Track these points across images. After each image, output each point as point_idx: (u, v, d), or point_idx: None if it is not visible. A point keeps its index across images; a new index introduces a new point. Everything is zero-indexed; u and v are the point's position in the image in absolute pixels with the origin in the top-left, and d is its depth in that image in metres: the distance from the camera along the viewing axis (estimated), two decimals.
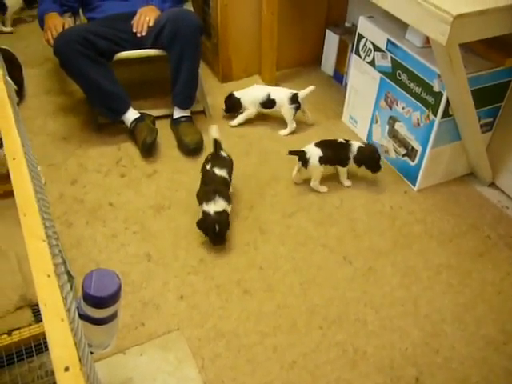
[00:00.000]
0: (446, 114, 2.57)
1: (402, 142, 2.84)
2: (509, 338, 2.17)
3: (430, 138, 2.64)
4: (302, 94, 3.11)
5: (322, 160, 2.70)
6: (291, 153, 2.73)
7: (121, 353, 2.04)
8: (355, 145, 2.77)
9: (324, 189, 2.78)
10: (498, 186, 2.97)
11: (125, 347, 2.06)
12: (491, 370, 2.05)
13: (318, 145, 2.74)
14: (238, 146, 3.05)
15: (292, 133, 3.20)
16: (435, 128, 2.60)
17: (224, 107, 3.26)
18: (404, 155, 2.86)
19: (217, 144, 2.67)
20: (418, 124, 2.69)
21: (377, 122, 2.99)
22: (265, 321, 2.16)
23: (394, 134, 2.89)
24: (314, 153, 2.70)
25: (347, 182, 2.84)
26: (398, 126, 2.84)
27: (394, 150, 2.92)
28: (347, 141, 2.80)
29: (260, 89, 3.21)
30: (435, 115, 2.57)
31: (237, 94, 3.21)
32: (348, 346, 2.09)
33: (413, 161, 2.80)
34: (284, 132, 3.19)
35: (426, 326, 2.18)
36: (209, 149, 2.89)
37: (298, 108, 3.13)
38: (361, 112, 3.13)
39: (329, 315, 2.19)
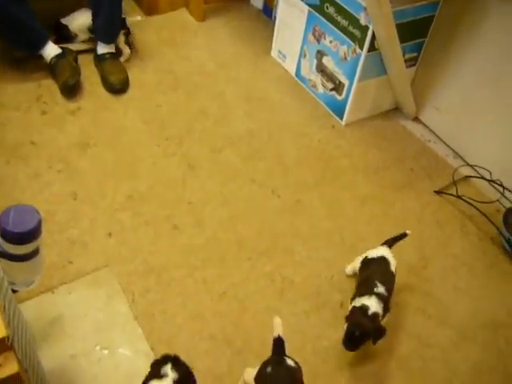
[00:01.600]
0: (372, 47, 2.59)
1: (330, 77, 2.85)
2: (427, 263, 2.30)
3: (357, 71, 2.66)
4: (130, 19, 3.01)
5: None
6: None
7: (49, 291, 2.01)
8: None
9: None
10: (421, 121, 3.07)
11: (53, 286, 2.03)
12: (410, 293, 2.18)
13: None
14: (165, 81, 2.97)
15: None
16: (361, 62, 2.62)
17: (54, 37, 2.98)
18: (331, 89, 2.88)
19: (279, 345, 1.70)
20: (345, 58, 2.71)
21: (305, 56, 2.98)
22: (194, 254, 2.18)
23: (321, 69, 2.89)
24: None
25: None
26: (325, 60, 2.84)
27: (322, 85, 2.93)
28: None
29: (87, 14, 2.97)
30: (361, 49, 2.59)
31: (63, 20, 2.99)
32: (276, 275, 2.15)
33: (340, 95, 2.83)
34: (121, 59, 3.01)
35: (351, 254, 2.26)
36: (135, 88, 2.83)
37: (127, 34, 3.02)
38: (289, 46, 3.10)
39: (257, 247, 2.23)
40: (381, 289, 1.90)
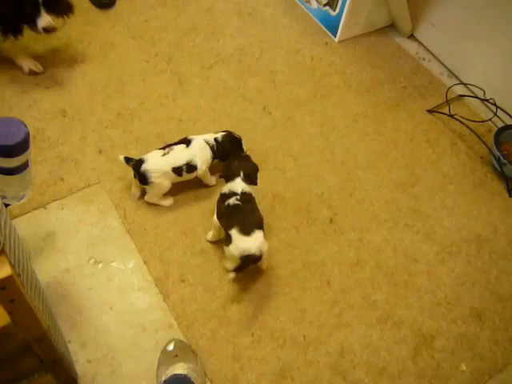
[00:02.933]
0: None
1: None
2: (416, 180, 2.32)
3: None
4: None
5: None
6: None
7: (41, 208, 2.03)
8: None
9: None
10: (416, 38, 3.00)
11: (45, 202, 2.04)
12: (398, 209, 2.21)
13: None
14: None
15: None
16: None
17: None
18: (325, 5, 2.79)
19: None
20: None
21: None
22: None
23: None
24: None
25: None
26: None
27: (316, 0, 2.84)
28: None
29: None
30: None
31: None
32: (267, 192, 2.17)
33: (334, 10, 2.75)
34: None
35: (341, 172, 2.28)
36: (123, 2, 2.75)
37: None
38: None
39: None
40: None
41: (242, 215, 1.84)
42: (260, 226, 1.84)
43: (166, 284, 1.89)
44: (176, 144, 2.04)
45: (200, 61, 2.59)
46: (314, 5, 2.87)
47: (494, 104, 2.63)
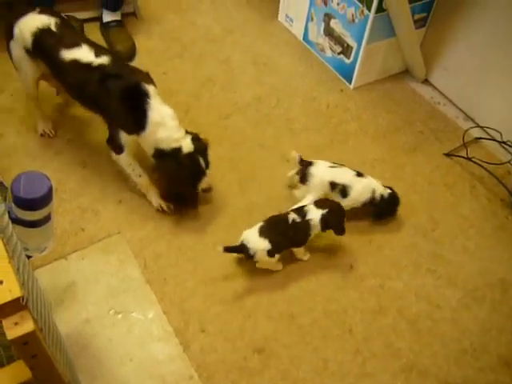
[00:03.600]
0: (380, 8, 2.55)
1: (338, 40, 2.81)
2: (436, 224, 2.31)
3: (365, 33, 2.62)
4: None
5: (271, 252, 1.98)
6: (227, 249, 1.98)
7: (62, 258, 2.05)
8: (313, 211, 2.04)
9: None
10: (431, 83, 3.03)
11: (66, 253, 2.06)
12: (419, 254, 2.19)
13: (262, 232, 1.98)
14: (171, 48, 2.95)
15: None
16: (369, 23, 2.58)
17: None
18: (340, 53, 2.84)
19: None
20: (353, 20, 2.67)
21: (312, 19, 2.94)
22: (203, 220, 2.20)
23: (329, 32, 2.85)
24: (258, 245, 1.96)
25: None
26: (333, 23, 2.80)
27: (330, 48, 2.90)
28: (301, 210, 2.06)
29: None
30: (369, 10, 2.54)
31: None
32: None
33: (348, 58, 2.80)
34: None
35: None
36: (142, 55, 2.83)
37: None
38: (297, 10, 3.05)
39: (267, 213, 2.24)
40: None
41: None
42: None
43: (186, 334, 1.88)
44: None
45: (217, 111, 2.63)
46: (329, 53, 2.92)
47: None
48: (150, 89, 2.06)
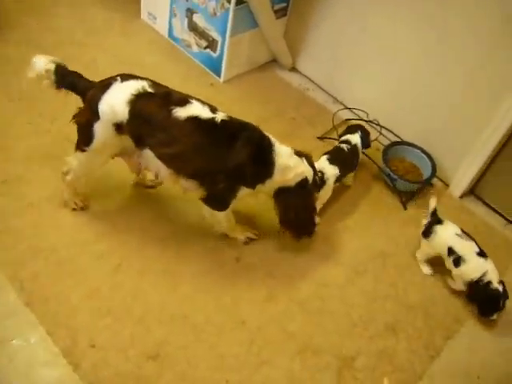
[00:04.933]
0: (239, 1, 2.57)
1: (202, 34, 2.81)
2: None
3: (228, 26, 2.64)
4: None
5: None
6: None
7: None
8: (359, 143, 2.46)
9: None
10: (298, 70, 3.12)
11: None
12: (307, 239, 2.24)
13: (331, 159, 2.33)
14: (31, 54, 2.77)
15: None
16: (231, 16, 2.60)
17: None
18: (206, 47, 2.84)
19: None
20: (215, 13, 2.67)
21: (175, 15, 2.91)
22: (84, 229, 2.11)
23: (193, 27, 2.84)
24: (329, 172, 2.29)
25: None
26: (196, 17, 2.79)
27: (196, 44, 2.88)
28: (350, 143, 2.44)
29: None
30: (229, 3, 2.56)
31: None
32: (171, 240, 2.13)
33: (215, 52, 2.80)
34: None
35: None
36: None
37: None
38: (158, 7, 3.01)
39: (147, 214, 2.20)
40: None
41: None
42: None
43: (75, 353, 1.78)
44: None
45: None
46: (195, 48, 2.91)
47: (378, 124, 2.77)
48: (269, 135, 2.02)
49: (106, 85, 1.91)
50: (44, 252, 2.01)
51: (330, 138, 2.69)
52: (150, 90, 1.89)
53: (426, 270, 2.25)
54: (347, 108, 2.89)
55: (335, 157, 2.34)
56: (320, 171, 2.23)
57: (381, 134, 2.75)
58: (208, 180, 1.94)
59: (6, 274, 1.92)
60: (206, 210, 2.04)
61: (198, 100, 1.95)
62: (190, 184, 1.96)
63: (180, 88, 2.73)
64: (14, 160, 2.29)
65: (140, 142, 1.92)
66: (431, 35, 2.43)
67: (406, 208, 2.49)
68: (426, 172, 2.57)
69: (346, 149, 2.40)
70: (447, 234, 2.17)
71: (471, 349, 2.05)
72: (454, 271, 2.14)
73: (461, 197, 2.62)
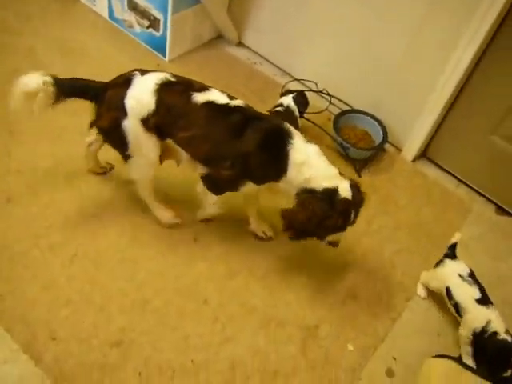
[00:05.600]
0: None
1: (144, 14, 2.74)
2: None
3: (169, 3, 2.58)
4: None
5: None
6: None
7: None
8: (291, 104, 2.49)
9: None
10: (245, 45, 3.08)
11: None
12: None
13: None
14: None
15: None
16: None
17: None
18: (148, 27, 2.77)
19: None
20: None
21: None
22: (35, 224, 2.05)
23: (133, 6, 2.77)
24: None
25: None
26: None
27: (138, 23, 2.82)
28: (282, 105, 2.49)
29: None
30: None
31: None
32: (126, 224, 2.11)
33: (158, 31, 2.74)
34: None
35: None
36: None
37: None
38: None
39: (100, 204, 2.16)
40: None
41: None
42: None
43: (36, 347, 1.75)
44: None
45: None
46: (138, 28, 2.84)
47: (328, 94, 2.77)
48: (291, 128, 1.88)
49: (126, 80, 1.88)
50: None
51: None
52: (172, 79, 1.87)
53: (421, 291, 2.13)
54: (296, 80, 2.88)
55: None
56: None
57: (330, 103, 2.75)
58: (214, 164, 1.89)
59: None
60: (200, 187, 2.00)
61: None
62: (205, 170, 1.93)
63: (126, 70, 2.67)
64: None
65: (164, 134, 1.89)
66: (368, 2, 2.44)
67: (360, 176, 2.52)
68: (378, 138, 2.60)
69: (282, 110, 2.42)
70: (449, 271, 2.01)
71: (430, 308, 2.10)
72: (458, 318, 1.98)
73: (413, 160, 2.66)
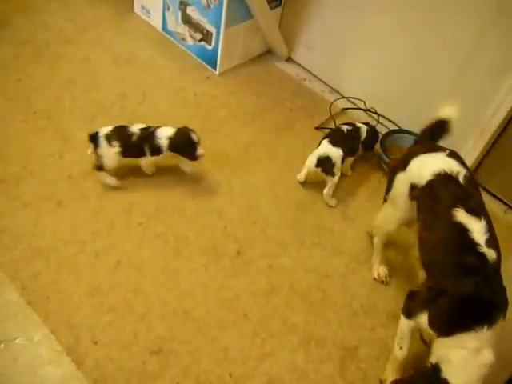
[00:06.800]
0: None
1: (197, 27, 2.79)
2: (315, 198, 2.37)
3: (222, 18, 2.62)
4: None
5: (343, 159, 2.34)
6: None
7: None
8: (364, 128, 2.50)
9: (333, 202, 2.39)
10: (294, 61, 3.10)
11: None
12: (303, 229, 2.24)
13: (333, 142, 2.32)
14: (23, 53, 2.77)
15: None
16: (225, 7, 2.58)
17: None
18: (200, 40, 2.82)
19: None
20: (209, 6, 2.65)
21: (169, 8, 2.89)
22: (82, 229, 2.10)
23: (187, 20, 2.81)
24: (335, 155, 2.30)
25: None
26: (189, 10, 2.77)
27: (191, 36, 2.86)
28: (354, 125, 2.49)
29: None
30: None
31: None
32: (169, 235, 2.13)
33: (210, 44, 2.78)
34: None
35: (241, 202, 2.29)
36: None
37: None
38: (152, 0, 2.98)
39: (146, 210, 2.19)
40: None
41: None
42: None
43: (78, 350, 1.78)
44: None
45: (82, 113, 2.52)
46: (190, 41, 2.89)
47: (375, 112, 2.76)
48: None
49: (429, 147, 1.93)
50: (44, 251, 2.01)
51: (327, 128, 2.68)
52: (461, 180, 1.76)
53: None
54: (344, 97, 2.88)
55: (335, 137, 2.35)
56: (327, 156, 2.26)
57: (378, 122, 2.74)
58: (430, 275, 1.77)
59: (7, 273, 1.92)
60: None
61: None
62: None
63: (176, 82, 2.74)
64: (10, 159, 2.28)
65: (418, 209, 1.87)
66: (420, 21, 2.43)
67: None
68: None
69: (345, 130, 2.42)
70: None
71: None
72: None
73: None
